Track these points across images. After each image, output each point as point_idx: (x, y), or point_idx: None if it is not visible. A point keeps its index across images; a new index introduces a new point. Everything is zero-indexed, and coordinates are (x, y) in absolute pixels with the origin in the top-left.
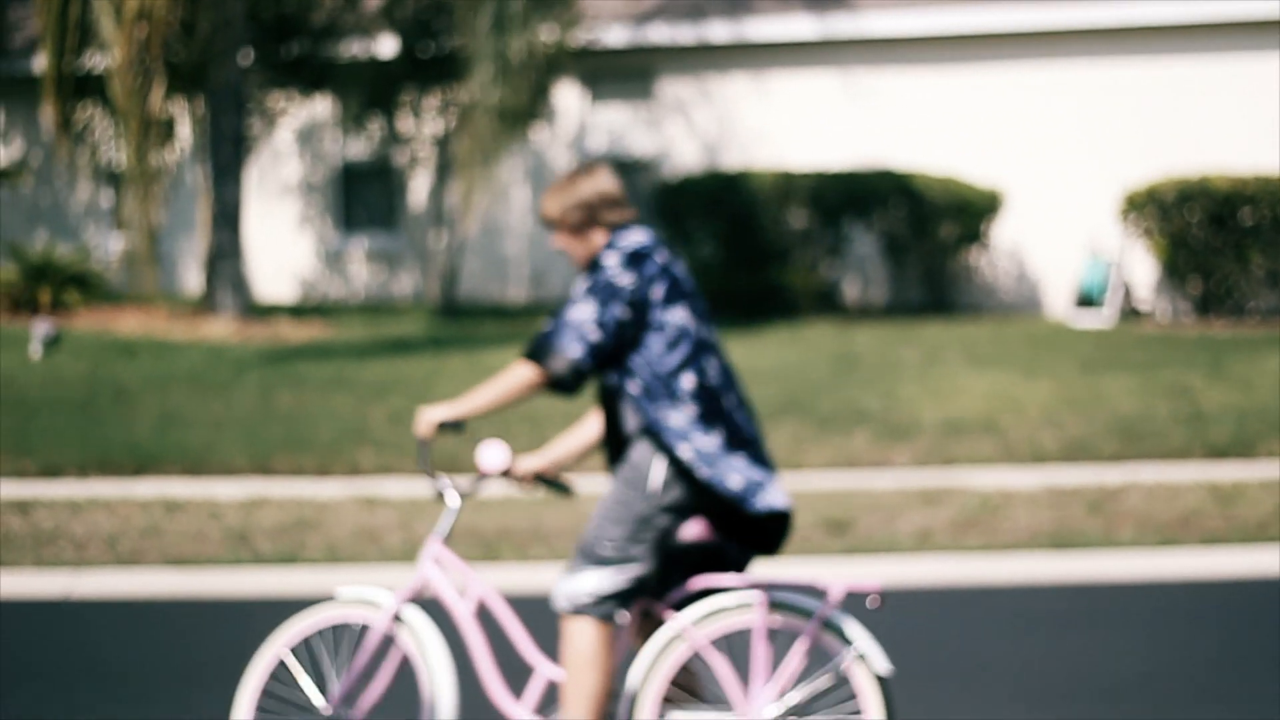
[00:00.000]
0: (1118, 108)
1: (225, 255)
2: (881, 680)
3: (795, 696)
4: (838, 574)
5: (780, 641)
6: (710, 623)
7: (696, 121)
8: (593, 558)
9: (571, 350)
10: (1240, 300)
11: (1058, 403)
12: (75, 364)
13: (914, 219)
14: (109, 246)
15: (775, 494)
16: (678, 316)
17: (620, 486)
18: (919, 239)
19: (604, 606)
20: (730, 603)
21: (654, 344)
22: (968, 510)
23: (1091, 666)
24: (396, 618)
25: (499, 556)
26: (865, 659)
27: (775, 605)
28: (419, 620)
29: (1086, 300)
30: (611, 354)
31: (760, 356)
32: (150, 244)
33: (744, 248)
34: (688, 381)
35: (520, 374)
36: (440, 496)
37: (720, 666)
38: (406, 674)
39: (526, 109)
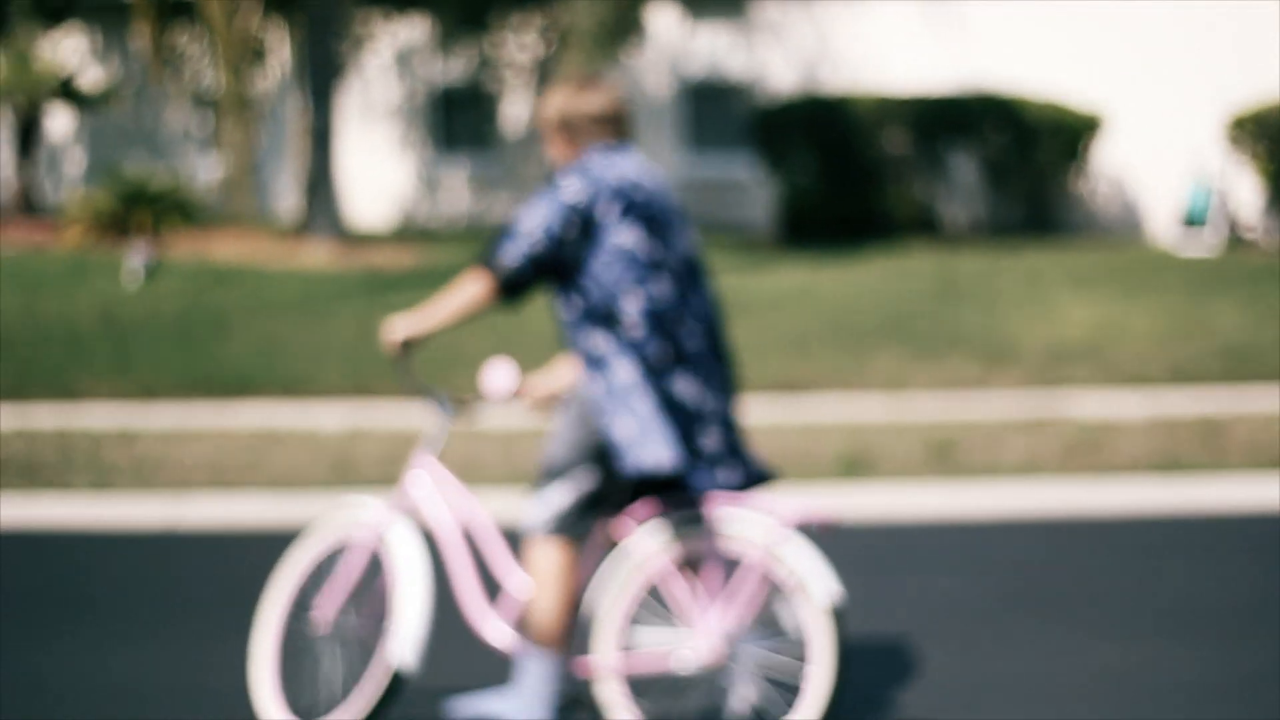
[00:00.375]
0: (1223, 27)
1: (321, 180)
2: (830, 611)
3: (747, 621)
4: (829, 501)
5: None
6: (667, 545)
7: (794, 44)
8: (545, 479)
9: (510, 258)
10: None
11: (1162, 327)
12: (172, 290)
13: (1014, 142)
14: (203, 171)
15: (660, 451)
16: (627, 239)
17: (566, 409)
18: (1019, 162)
19: (561, 526)
20: (683, 527)
21: (599, 265)
22: (1071, 435)
23: (1195, 595)
24: (382, 532)
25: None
26: (807, 589)
27: (726, 531)
28: (402, 534)
29: (1190, 224)
30: (551, 267)
31: (860, 281)
32: (246, 168)
33: (842, 172)
34: (630, 304)
35: (470, 284)
36: (434, 411)
37: (676, 589)
38: None
39: (621, 29)
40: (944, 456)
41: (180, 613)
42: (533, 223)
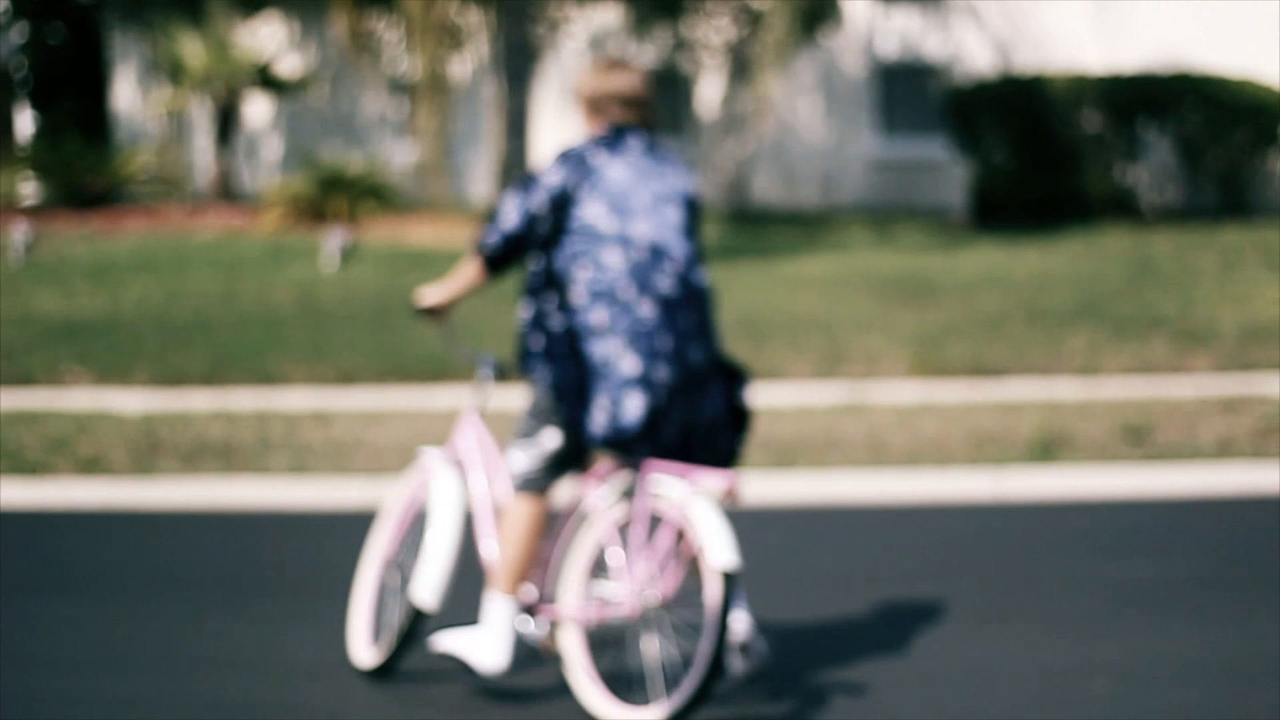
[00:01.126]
0: None
1: (516, 164)
2: (725, 574)
3: (668, 579)
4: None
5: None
6: (609, 505)
7: (988, 24)
8: (514, 441)
9: (490, 236)
10: None
11: None
12: (368, 274)
13: (1210, 121)
14: (399, 156)
15: (577, 414)
16: (590, 214)
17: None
18: (1215, 141)
19: (528, 484)
20: (623, 488)
21: (567, 237)
22: (1270, 418)
23: None
24: (427, 479)
25: (794, 464)
26: (705, 551)
27: (657, 493)
28: (442, 482)
29: None
30: (528, 242)
31: (1054, 262)
32: (441, 153)
33: (1037, 152)
34: (580, 273)
35: (466, 264)
36: (478, 371)
37: (615, 545)
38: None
39: (817, 12)
40: (1138, 439)
41: None
42: (510, 206)
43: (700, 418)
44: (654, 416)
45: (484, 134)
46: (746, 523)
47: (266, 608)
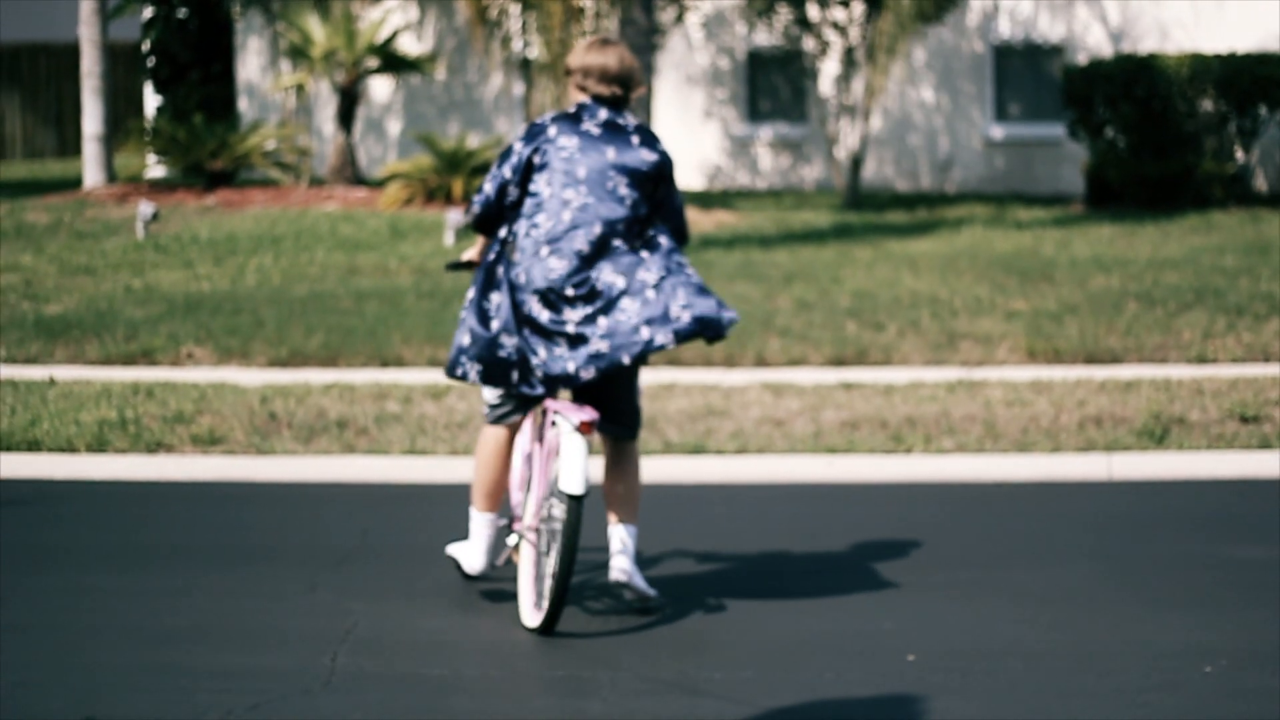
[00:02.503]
0: None
1: None
2: (572, 497)
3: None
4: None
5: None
6: (527, 433)
7: (1106, 5)
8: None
9: (474, 205)
10: None
11: None
12: None
13: None
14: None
15: (467, 364)
16: (540, 179)
17: None
18: None
19: (493, 417)
20: (536, 421)
21: (523, 204)
22: None
23: None
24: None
25: (908, 445)
26: (560, 476)
27: (553, 424)
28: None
29: None
30: (500, 208)
31: (1170, 245)
32: None
33: (1153, 133)
34: (520, 230)
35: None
36: None
37: (521, 470)
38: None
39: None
40: (1253, 423)
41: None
42: (492, 171)
43: (593, 344)
44: (559, 356)
45: None
46: (858, 499)
47: (381, 579)
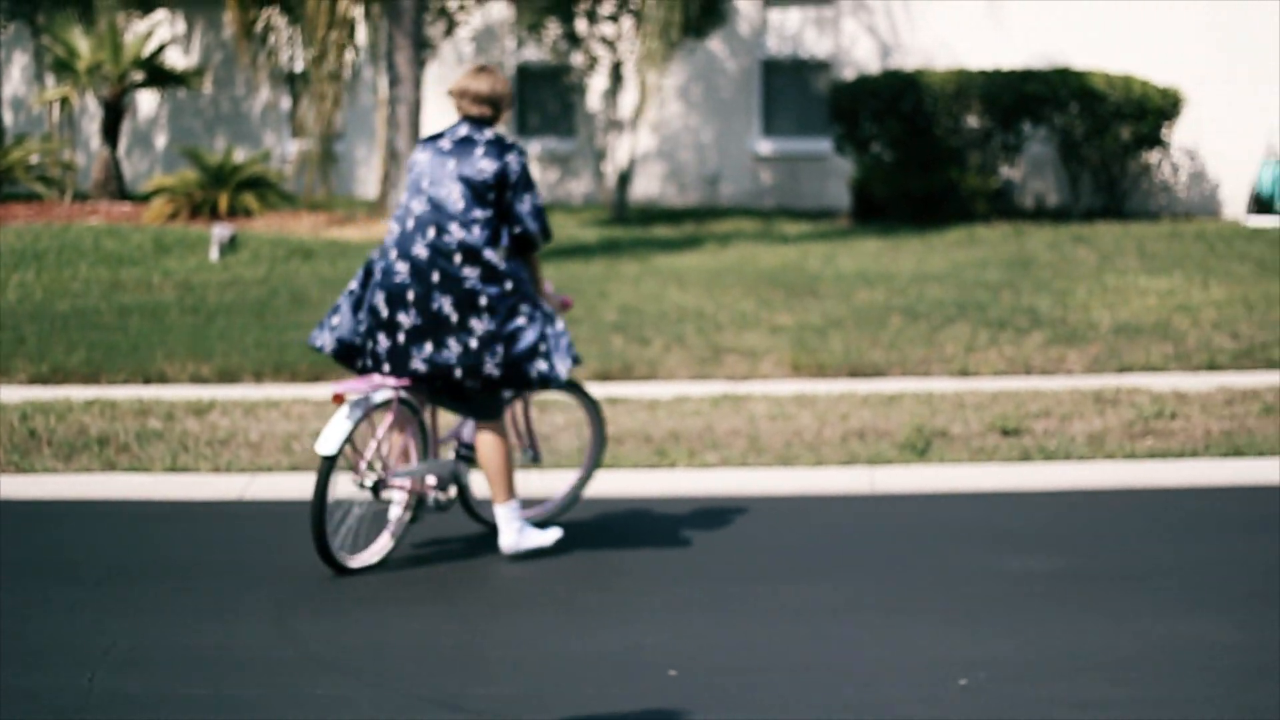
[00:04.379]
0: None
1: (402, 157)
2: (322, 456)
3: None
4: (899, 477)
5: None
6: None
7: (872, 22)
8: None
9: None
10: None
11: (1233, 306)
12: (253, 267)
13: (1090, 119)
14: (287, 151)
15: (326, 337)
16: (403, 195)
17: None
18: (1095, 140)
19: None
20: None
21: None
22: (1141, 415)
23: (1265, 570)
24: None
25: (671, 459)
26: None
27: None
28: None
29: (1263, 202)
30: None
31: (934, 259)
32: (327, 146)
33: (919, 148)
34: (386, 233)
35: None
36: None
37: (373, 436)
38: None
39: (703, 9)
40: (1013, 436)
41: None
42: None
43: (440, 354)
44: (394, 348)
45: (374, 129)
46: (622, 512)
47: (150, 596)
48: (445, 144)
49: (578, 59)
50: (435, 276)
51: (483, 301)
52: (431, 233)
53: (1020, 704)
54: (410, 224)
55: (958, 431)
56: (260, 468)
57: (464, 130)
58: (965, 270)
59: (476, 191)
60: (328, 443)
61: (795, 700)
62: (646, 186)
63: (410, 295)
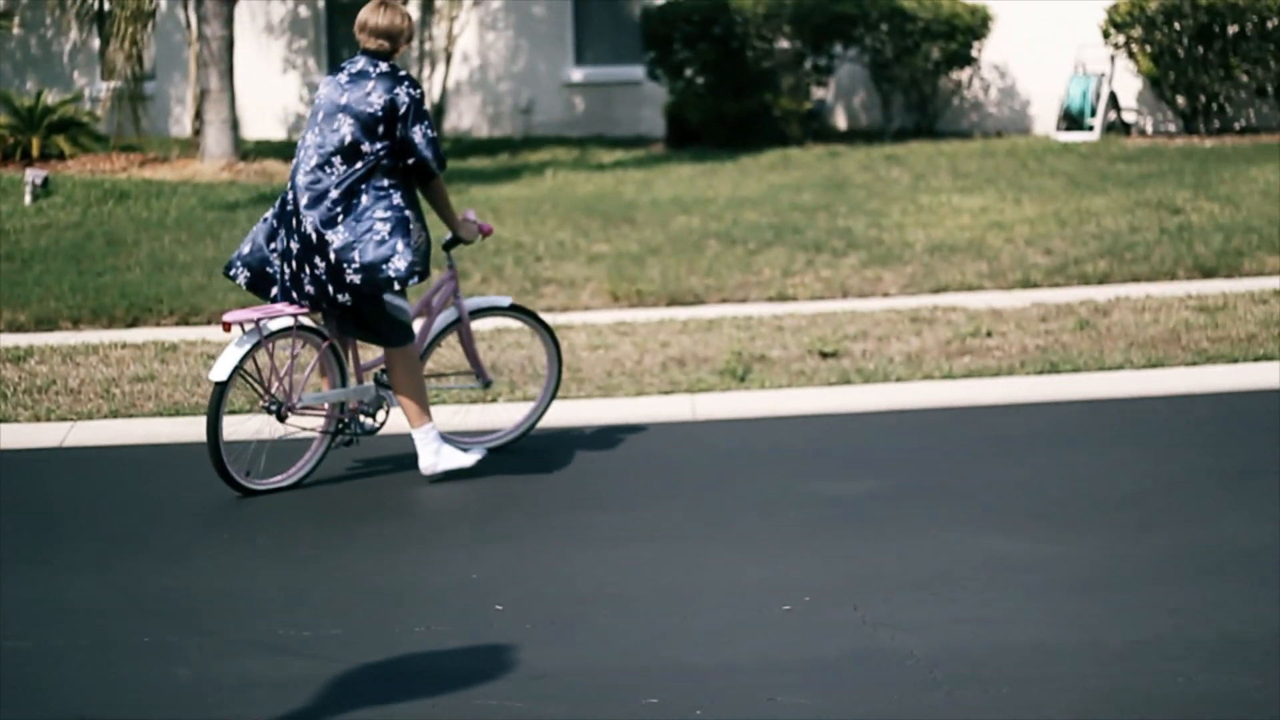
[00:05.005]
0: None
1: (214, 96)
2: (214, 382)
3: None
4: (720, 402)
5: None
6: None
7: None
8: None
9: None
10: (1227, 113)
11: (1046, 222)
12: (67, 211)
13: (900, 38)
14: (98, 92)
15: (238, 267)
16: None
17: None
18: (906, 59)
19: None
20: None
21: None
22: (958, 334)
23: (1080, 484)
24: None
25: (494, 394)
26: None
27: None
28: None
29: (1073, 117)
30: None
31: (749, 183)
32: (137, 86)
33: (731, 73)
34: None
35: None
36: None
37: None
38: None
39: None
40: (832, 359)
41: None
42: None
43: (316, 272)
44: (289, 274)
45: (187, 67)
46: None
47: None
48: (343, 77)
49: None
50: (306, 199)
51: (340, 218)
52: (314, 160)
53: (845, 627)
54: (302, 154)
55: (776, 356)
56: (80, 415)
57: (360, 64)
58: (780, 194)
59: (365, 124)
60: (219, 370)
61: (621, 631)
62: (460, 118)
63: (293, 222)
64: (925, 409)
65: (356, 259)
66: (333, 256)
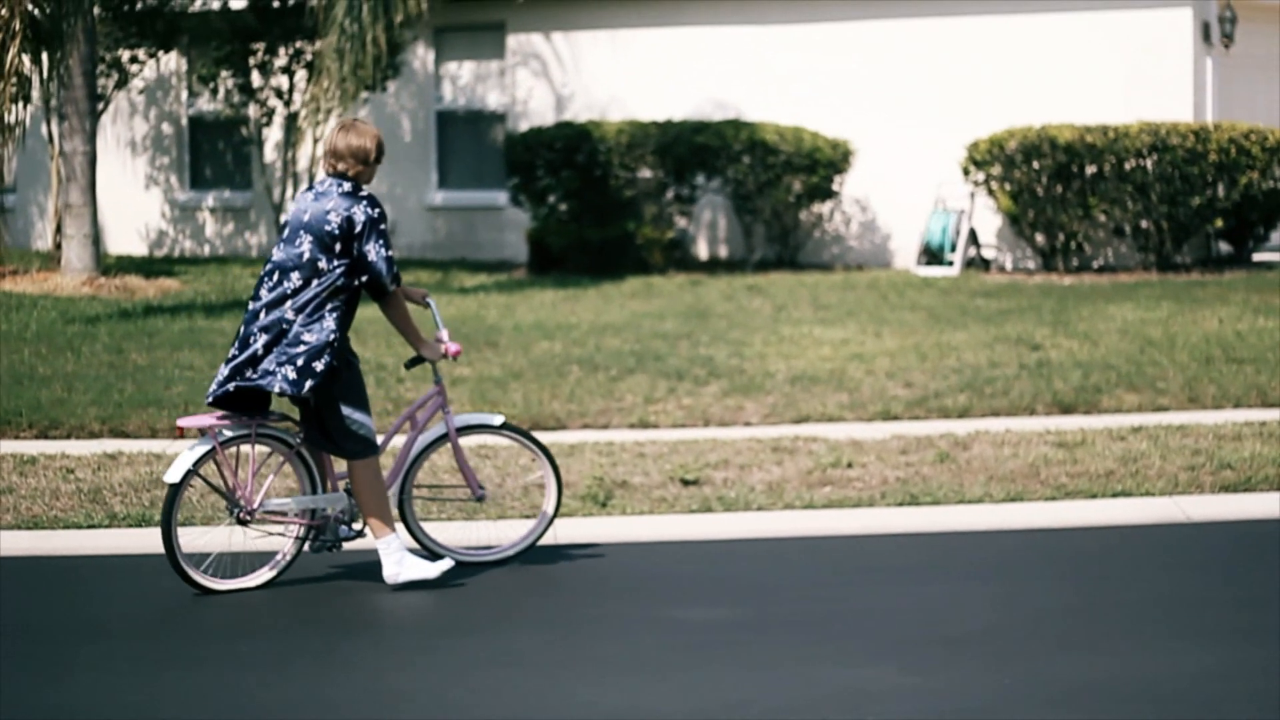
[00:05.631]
0: (964, 60)
1: (76, 210)
2: (169, 485)
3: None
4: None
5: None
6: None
7: (548, 75)
8: None
9: None
10: (1085, 251)
11: (906, 355)
12: None
13: (762, 170)
14: None
15: (220, 385)
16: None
17: None
18: (768, 191)
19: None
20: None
21: None
22: (819, 465)
23: (937, 615)
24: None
25: None
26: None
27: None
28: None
29: (933, 252)
30: None
31: (611, 310)
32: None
33: (594, 200)
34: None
35: None
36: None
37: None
38: None
39: (379, 63)
40: (694, 486)
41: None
42: None
43: (261, 390)
44: (235, 386)
45: (50, 181)
46: (296, 565)
47: None
48: (310, 195)
49: (252, 110)
50: (264, 317)
51: (287, 332)
52: (275, 278)
53: None
54: (266, 269)
55: (638, 482)
56: None
57: (326, 184)
58: (643, 321)
59: (323, 242)
60: (172, 473)
61: None
62: None
63: (244, 333)
64: (786, 538)
65: (272, 368)
66: (261, 352)
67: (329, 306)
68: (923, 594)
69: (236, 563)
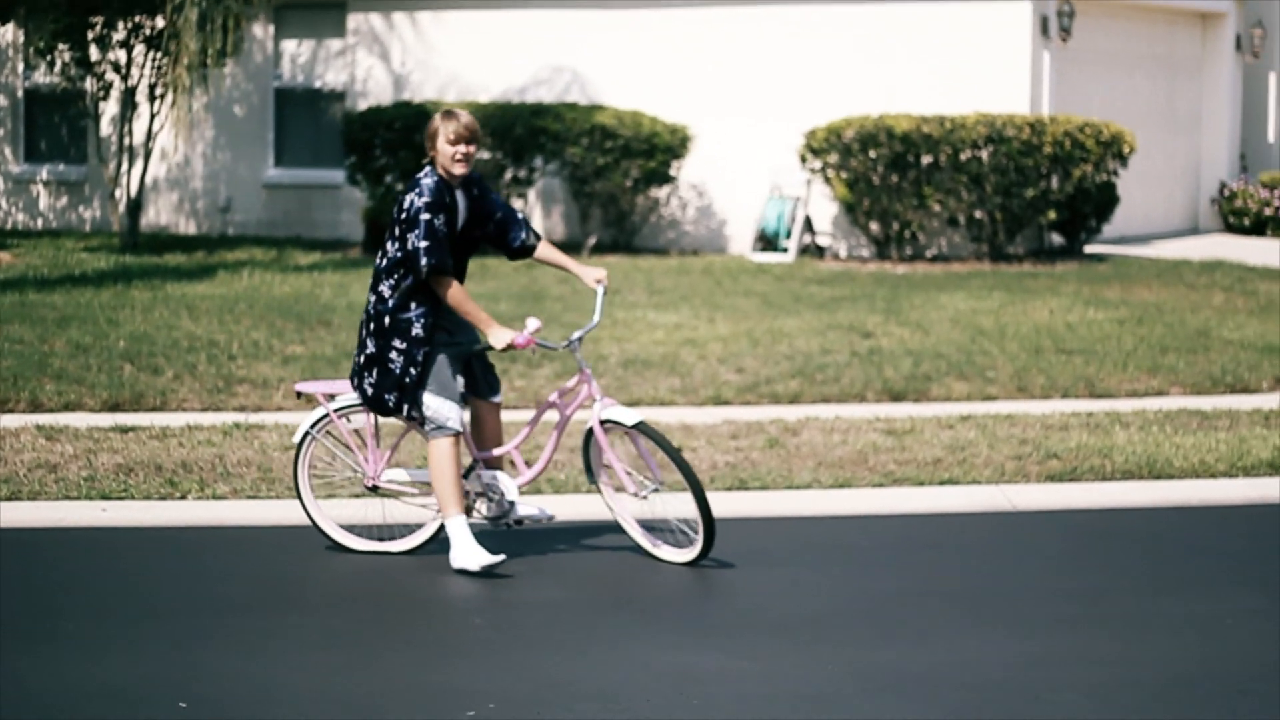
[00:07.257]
0: (803, 49)
1: None
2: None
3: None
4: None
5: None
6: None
7: (387, 54)
8: None
9: None
10: (919, 241)
11: (739, 341)
12: None
13: (601, 154)
14: None
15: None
16: None
17: None
18: (605, 175)
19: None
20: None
21: None
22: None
23: (764, 600)
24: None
25: (184, 490)
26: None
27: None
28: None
29: (768, 239)
30: None
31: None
32: None
33: None
34: None
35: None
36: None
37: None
38: None
39: (221, 43)
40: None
41: None
42: None
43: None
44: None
45: None
46: (132, 544)
47: None
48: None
49: (90, 84)
50: (370, 299)
51: (368, 326)
52: (379, 266)
53: None
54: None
55: (465, 462)
56: None
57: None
58: (478, 301)
59: (391, 228)
60: (296, 433)
61: None
62: (158, 215)
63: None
64: (613, 521)
65: (371, 378)
66: (361, 360)
67: (417, 300)
68: (751, 579)
69: (384, 528)
